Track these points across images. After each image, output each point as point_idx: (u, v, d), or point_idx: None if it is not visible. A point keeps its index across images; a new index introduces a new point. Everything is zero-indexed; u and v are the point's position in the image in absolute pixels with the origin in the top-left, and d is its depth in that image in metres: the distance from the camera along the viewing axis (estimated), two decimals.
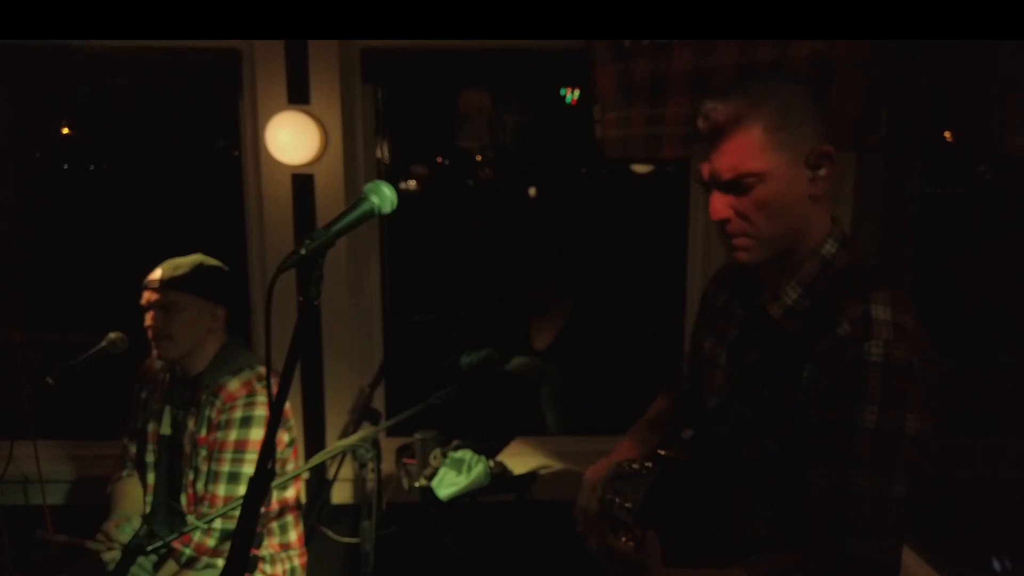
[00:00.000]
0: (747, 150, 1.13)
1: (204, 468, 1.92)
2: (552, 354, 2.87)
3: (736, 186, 1.15)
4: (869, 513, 1.10)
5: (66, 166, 3.41)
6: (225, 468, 1.89)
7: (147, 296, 1.92)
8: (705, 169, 1.18)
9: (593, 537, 1.28)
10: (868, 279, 1.18)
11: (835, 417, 1.11)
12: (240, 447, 1.89)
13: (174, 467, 2.01)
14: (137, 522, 1.93)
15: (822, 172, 1.16)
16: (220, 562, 1.88)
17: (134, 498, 2.04)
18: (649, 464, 1.18)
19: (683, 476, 1.17)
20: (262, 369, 1.97)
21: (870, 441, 1.09)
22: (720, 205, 1.17)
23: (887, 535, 1.12)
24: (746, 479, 1.26)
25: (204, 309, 1.93)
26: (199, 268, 1.94)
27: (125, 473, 2.11)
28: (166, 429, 2.02)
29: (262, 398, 1.92)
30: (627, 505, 1.15)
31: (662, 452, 1.20)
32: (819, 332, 1.14)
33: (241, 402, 1.90)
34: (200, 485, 1.92)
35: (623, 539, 1.14)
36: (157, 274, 1.93)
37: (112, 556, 1.87)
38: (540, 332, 2.71)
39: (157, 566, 1.99)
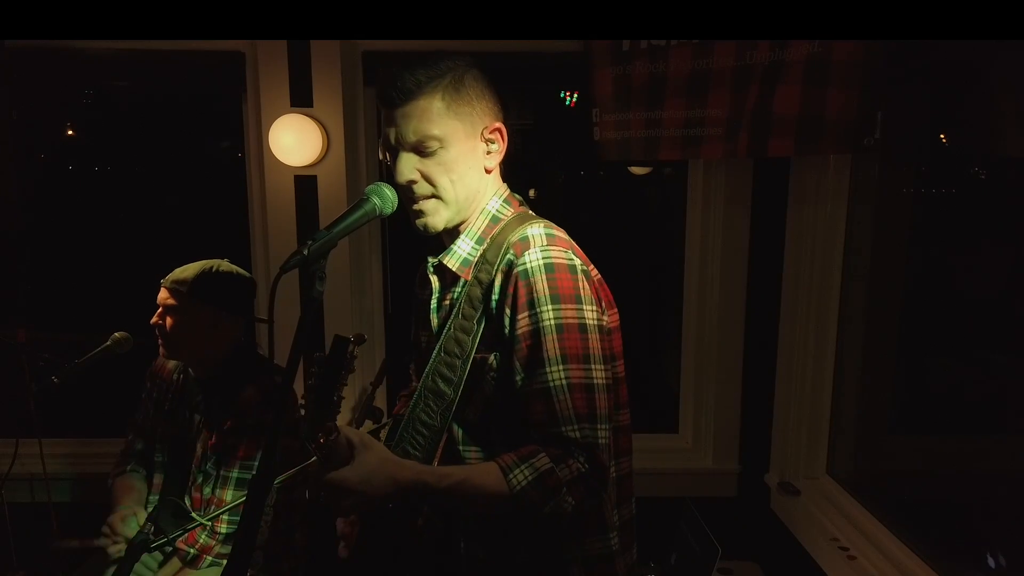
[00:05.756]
0: (428, 114, 1.23)
1: (214, 472, 1.93)
2: None
3: (421, 148, 1.25)
4: (574, 400, 1.19)
5: (71, 167, 3.43)
6: (234, 474, 1.89)
7: (159, 294, 1.94)
8: (392, 133, 1.26)
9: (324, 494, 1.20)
10: (527, 219, 1.31)
11: (522, 329, 1.21)
12: (251, 454, 1.90)
13: (182, 467, 2.02)
14: (142, 516, 1.94)
15: (495, 147, 1.31)
16: (224, 563, 1.90)
17: (138, 492, 2.05)
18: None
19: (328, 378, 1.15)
20: (276, 377, 1.98)
21: (555, 337, 1.19)
22: (407, 167, 1.25)
23: (601, 419, 1.21)
24: (476, 438, 1.31)
25: (204, 313, 1.93)
26: (204, 273, 1.94)
27: (129, 468, 2.11)
28: (175, 430, 2.04)
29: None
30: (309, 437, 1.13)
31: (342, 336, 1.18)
32: (494, 267, 1.26)
33: (255, 409, 1.91)
34: (208, 489, 1.94)
35: (323, 444, 1.11)
36: (170, 274, 1.95)
37: (117, 549, 1.88)
38: None
39: (161, 564, 2.01)
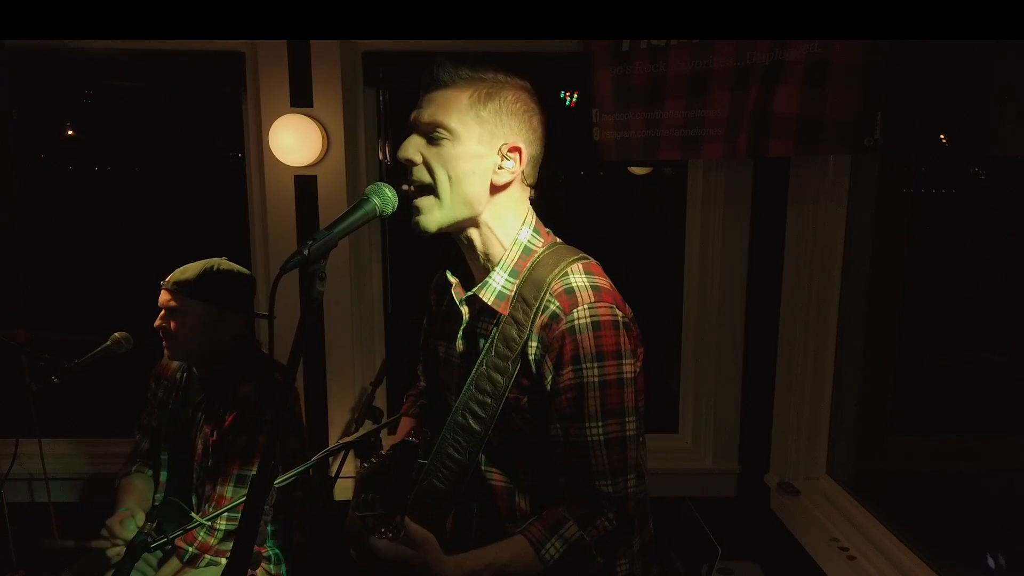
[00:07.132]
0: (449, 106, 1.24)
1: (214, 469, 1.93)
2: None
3: (430, 134, 1.25)
4: (610, 455, 1.24)
5: (71, 167, 3.43)
6: (233, 471, 1.90)
7: (160, 296, 1.95)
8: (413, 115, 1.27)
9: (354, 546, 1.27)
10: (562, 255, 1.31)
11: (565, 382, 1.24)
12: (249, 451, 1.90)
13: (186, 466, 2.02)
14: (141, 518, 1.95)
15: (509, 165, 1.28)
16: (223, 561, 1.90)
17: (141, 493, 2.06)
18: (385, 452, 1.20)
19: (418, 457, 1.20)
20: (276, 375, 1.98)
21: (597, 393, 1.22)
22: (411, 146, 1.26)
23: (631, 469, 1.26)
24: (499, 461, 1.33)
25: (207, 313, 1.94)
26: (205, 273, 1.95)
27: (135, 468, 2.12)
28: (179, 428, 2.04)
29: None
30: (377, 497, 1.19)
31: (410, 439, 1.23)
32: (533, 310, 1.26)
33: (252, 406, 1.91)
34: (209, 486, 1.94)
35: (386, 535, 1.17)
36: (170, 276, 1.95)
37: (116, 552, 1.88)
38: None
39: (160, 563, 2.01)
